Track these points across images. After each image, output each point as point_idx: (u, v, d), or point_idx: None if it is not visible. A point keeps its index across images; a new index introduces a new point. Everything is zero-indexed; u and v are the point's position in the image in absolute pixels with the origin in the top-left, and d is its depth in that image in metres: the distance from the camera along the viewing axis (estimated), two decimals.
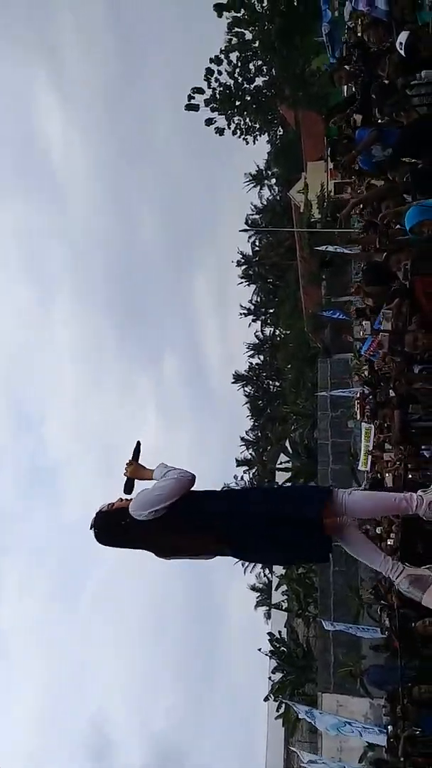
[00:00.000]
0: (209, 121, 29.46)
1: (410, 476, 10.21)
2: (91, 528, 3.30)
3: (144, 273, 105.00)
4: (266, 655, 29.69)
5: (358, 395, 15.83)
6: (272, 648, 29.37)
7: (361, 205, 9.18)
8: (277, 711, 27.98)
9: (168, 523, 3.17)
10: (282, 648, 29.16)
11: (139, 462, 3.37)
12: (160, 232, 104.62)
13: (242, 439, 48.55)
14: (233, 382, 50.48)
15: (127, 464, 3.36)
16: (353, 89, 9.43)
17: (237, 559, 3.56)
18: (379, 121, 7.39)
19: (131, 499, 3.26)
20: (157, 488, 3.18)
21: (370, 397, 13.23)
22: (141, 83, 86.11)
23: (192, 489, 3.24)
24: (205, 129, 29.72)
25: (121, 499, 3.33)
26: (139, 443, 3.41)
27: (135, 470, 3.33)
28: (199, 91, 28.50)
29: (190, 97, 28.86)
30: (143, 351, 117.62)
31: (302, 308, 36.34)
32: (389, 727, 10.91)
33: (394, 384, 9.37)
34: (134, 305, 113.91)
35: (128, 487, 3.36)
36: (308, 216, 32.01)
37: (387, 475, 11.49)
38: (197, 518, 3.19)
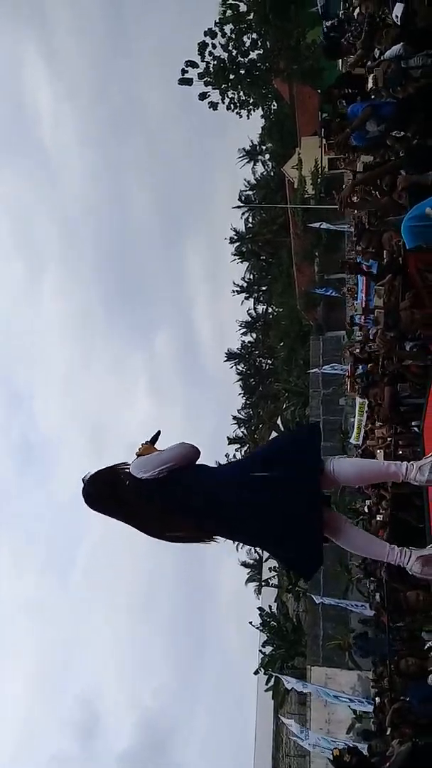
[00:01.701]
0: (203, 95, 29.09)
1: (401, 452, 10.28)
2: (82, 480, 3.19)
3: (136, 248, 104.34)
4: (257, 628, 30.09)
5: (347, 372, 15.83)
6: (262, 622, 29.76)
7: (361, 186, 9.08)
8: (267, 684, 28.42)
9: (167, 494, 3.14)
10: (272, 622, 29.53)
11: (154, 446, 3.37)
12: (152, 208, 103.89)
13: (234, 417, 48.69)
14: (225, 360, 50.48)
15: (142, 444, 3.36)
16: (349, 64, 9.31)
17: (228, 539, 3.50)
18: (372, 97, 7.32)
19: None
20: (163, 452, 3.22)
21: (362, 372, 13.25)
22: (133, 56, 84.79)
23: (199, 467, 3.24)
24: (199, 103, 29.37)
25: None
26: (159, 432, 3.43)
27: (147, 449, 3.32)
28: (192, 64, 28.13)
29: (183, 71, 28.50)
30: (134, 327, 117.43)
31: (295, 286, 36.22)
32: (376, 698, 11.09)
33: (384, 361, 9.40)
34: (126, 281, 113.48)
35: None
36: (302, 192, 31.79)
37: (378, 451, 11.56)
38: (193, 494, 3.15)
